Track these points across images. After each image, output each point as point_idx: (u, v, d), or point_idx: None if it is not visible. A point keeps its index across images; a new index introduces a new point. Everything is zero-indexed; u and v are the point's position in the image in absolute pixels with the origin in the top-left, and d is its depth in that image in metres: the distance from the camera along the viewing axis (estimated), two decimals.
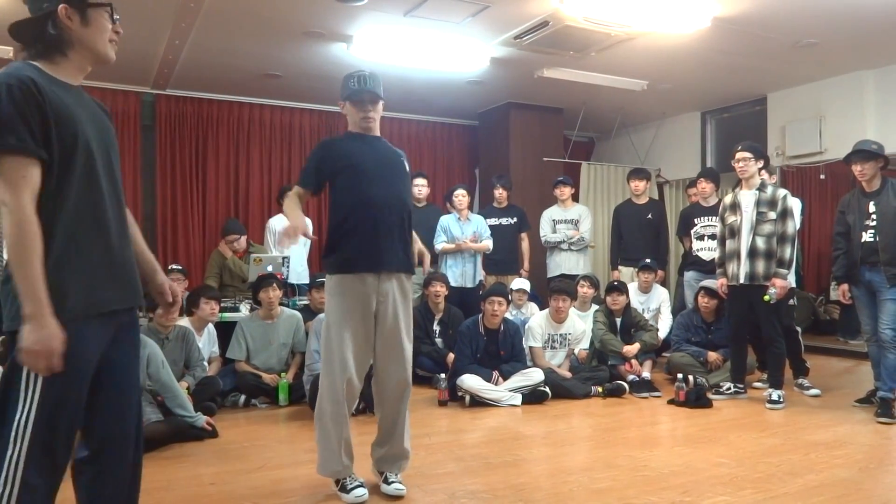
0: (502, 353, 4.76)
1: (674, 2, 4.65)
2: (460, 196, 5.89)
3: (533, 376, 4.61)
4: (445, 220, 5.82)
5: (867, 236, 4.14)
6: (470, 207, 6.04)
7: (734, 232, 4.53)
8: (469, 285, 5.78)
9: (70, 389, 1.61)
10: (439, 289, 5.35)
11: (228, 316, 4.98)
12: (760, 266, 4.40)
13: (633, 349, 5.06)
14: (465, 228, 5.82)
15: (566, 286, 5.26)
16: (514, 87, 6.96)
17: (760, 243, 4.41)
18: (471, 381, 4.49)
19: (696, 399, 4.46)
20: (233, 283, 5.70)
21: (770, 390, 4.47)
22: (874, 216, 4.12)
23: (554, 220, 6.35)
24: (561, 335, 5.13)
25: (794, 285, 4.92)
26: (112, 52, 1.76)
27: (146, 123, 6.89)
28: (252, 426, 4.04)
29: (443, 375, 4.68)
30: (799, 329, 5.22)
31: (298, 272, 6.00)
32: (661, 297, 5.86)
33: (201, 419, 3.68)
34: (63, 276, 1.59)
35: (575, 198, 6.75)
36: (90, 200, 1.66)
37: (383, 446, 2.87)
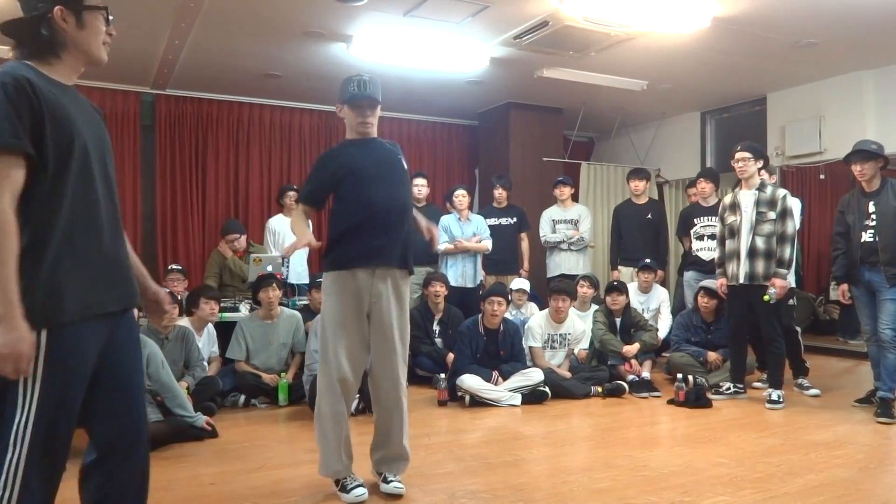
0: (502, 353, 4.76)
1: (673, 2, 4.65)
2: (460, 196, 5.89)
3: (533, 376, 4.61)
4: (446, 220, 5.82)
5: (867, 236, 4.14)
6: (470, 207, 6.04)
7: (734, 232, 4.54)
8: (469, 285, 5.78)
9: (68, 391, 1.61)
10: (439, 289, 5.35)
11: (228, 316, 4.98)
12: (760, 266, 4.40)
13: (632, 349, 5.06)
14: (465, 228, 5.81)
15: (566, 286, 5.26)
16: (513, 87, 6.96)
17: (760, 243, 4.41)
18: (470, 381, 4.49)
19: (696, 399, 4.46)
20: (233, 283, 5.70)
21: (770, 390, 4.47)
22: (874, 216, 4.12)
23: (554, 220, 6.35)
24: (561, 335, 5.13)
25: (793, 285, 4.93)
26: (105, 55, 1.76)
27: (146, 123, 6.89)
28: (252, 426, 4.04)
29: (442, 375, 4.68)
30: (799, 329, 5.22)
31: (298, 272, 6.01)
32: (660, 297, 5.86)
33: (201, 419, 3.68)
34: (60, 278, 1.58)
35: (575, 198, 6.75)
36: (86, 202, 1.65)
37: (381, 448, 2.87)
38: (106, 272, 1.69)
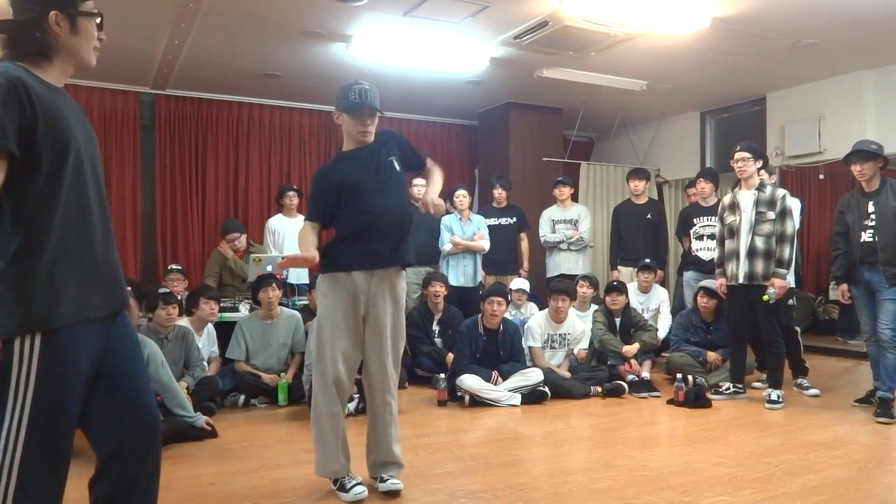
0: (502, 353, 4.76)
1: (673, 2, 4.65)
2: (461, 196, 5.89)
3: (532, 376, 4.61)
4: (448, 220, 5.82)
5: (866, 236, 4.14)
6: (470, 207, 6.04)
7: (733, 232, 4.54)
8: (469, 285, 5.78)
9: (63, 396, 1.59)
10: (438, 289, 5.36)
11: (228, 316, 4.98)
12: (759, 266, 4.40)
13: (632, 349, 5.06)
14: (466, 229, 5.82)
15: (565, 286, 5.26)
16: (513, 87, 6.96)
17: (759, 243, 4.41)
18: (470, 381, 4.50)
19: (696, 399, 4.46)
20: (233, 282, 5.70)
21: (769, 390, 4.47)
22: (873, 216, 4.12)
23: (553, 220, 6.35)
24: (560, 335, 5.13)
25: (793, 285, 4.92)
26: (94, 59, 1.75)
27: (146, 123, 6.88)
28: (251, 426, 4.04)
29: (442, 375, 4.68)
30: (798, 329, 5.22)
31: (298, 272, 6.00)
32: (660, 297, 5.86)
33: (201, 419, 3.68)
34: (56, 282, 1.57)
35: (574, 198, 6.75)
36: (79, 206, 1.64)
37: (373, 451, 2.88)
38: (98, 276, 1.68)
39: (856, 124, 6.23)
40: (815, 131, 6.54)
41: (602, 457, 3.37)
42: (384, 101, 2.92)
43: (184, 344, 4.25)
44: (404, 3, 4.75)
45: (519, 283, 5.73)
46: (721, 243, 4.66)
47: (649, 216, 6.24)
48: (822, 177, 7.63)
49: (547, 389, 4.61)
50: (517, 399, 4.51)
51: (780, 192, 4.48)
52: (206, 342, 4.64)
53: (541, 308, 5.57)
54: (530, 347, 5.05)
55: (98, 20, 1.73)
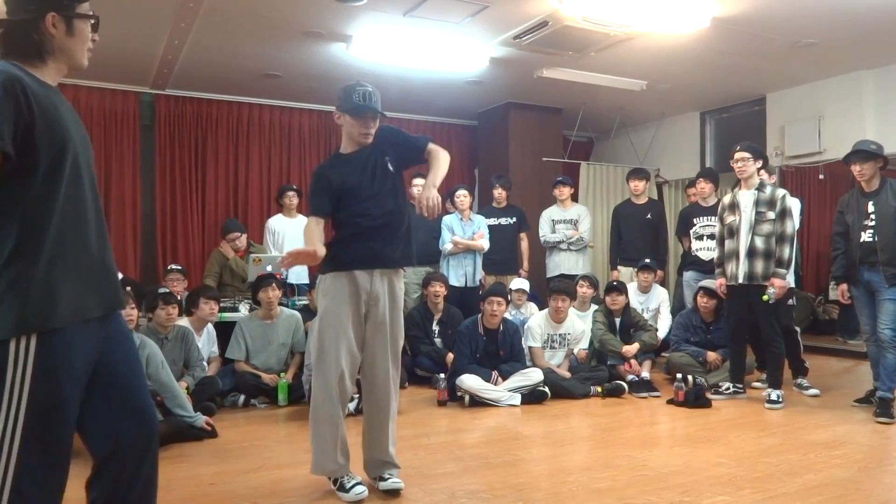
0: (501, 353, 4.76)
1: (673, 2, 4.65)
2: (462, 196, 5.89)
3: (532, 376, 4.61)
4: (449, 220, 5.82)
5: (866, 236, 4.14)
6: (470, 207, 6.04)
7: (733, 232, 4.54)
8: (469, 285, 5.78)
9: (60, 397, 1.58)
10: (438, 289, 5.36)
11: (228, 316, 4.98)
12: (759, 266, 4.40)
13: (632, 349, 5.06)
14: (466, 228, 5.82)
15: (565, 286, 5.26)
16: (513, 87, 6.96)
17: (759, 243, 4.41)
18: (470, 381, 4.50)
19: (696, 399, 4.46)
20: (233, 282, 5.70)
21: (769, 390, 4.47)
22: (873, 216, 4.12)
23: (553, 220, 6.35)
24: (560, 335, 5.13)
25: (793, 285, 4.92)
26: (87, 61, 1.75)
27: (145, 123, 6.88)
28: (251, 426, 4.04)
29: (442, 375, 4.68)
30: (798, 329, 5.22)
31: (298, 272, 6.00)
32: (660, 297, 5.86)
33: (200, 419, 3.68)
34: (53, 283, 1.57)
35: (574, 198, 6.75)
36: (75, 206, 1.64)
37: (370, 450, 2.88)
38: (94, 276, 1.68)
39: (856, 124, 6.23)
40: (815, 131, 6.54)
41: (602, 457, 3.37)
42: (384, 101, 2.92)
43: (184, 344, 4.24)
44: (404, 3, 4.75)
45: (519, 283, 5.73)
46: (721, 243, 4.66)
47: (649, 216, 6.24)
48: (821, 177, 7.64)
49: (547, 389, 4.61)
50: (517, 399, 4.51)
51: (780, 192, 4.48)
52: (206, 342, 4.64)
53: (541, 308, 5.57)
54: (530, 347, 5.05)
55: (93, 22, 1.73)
